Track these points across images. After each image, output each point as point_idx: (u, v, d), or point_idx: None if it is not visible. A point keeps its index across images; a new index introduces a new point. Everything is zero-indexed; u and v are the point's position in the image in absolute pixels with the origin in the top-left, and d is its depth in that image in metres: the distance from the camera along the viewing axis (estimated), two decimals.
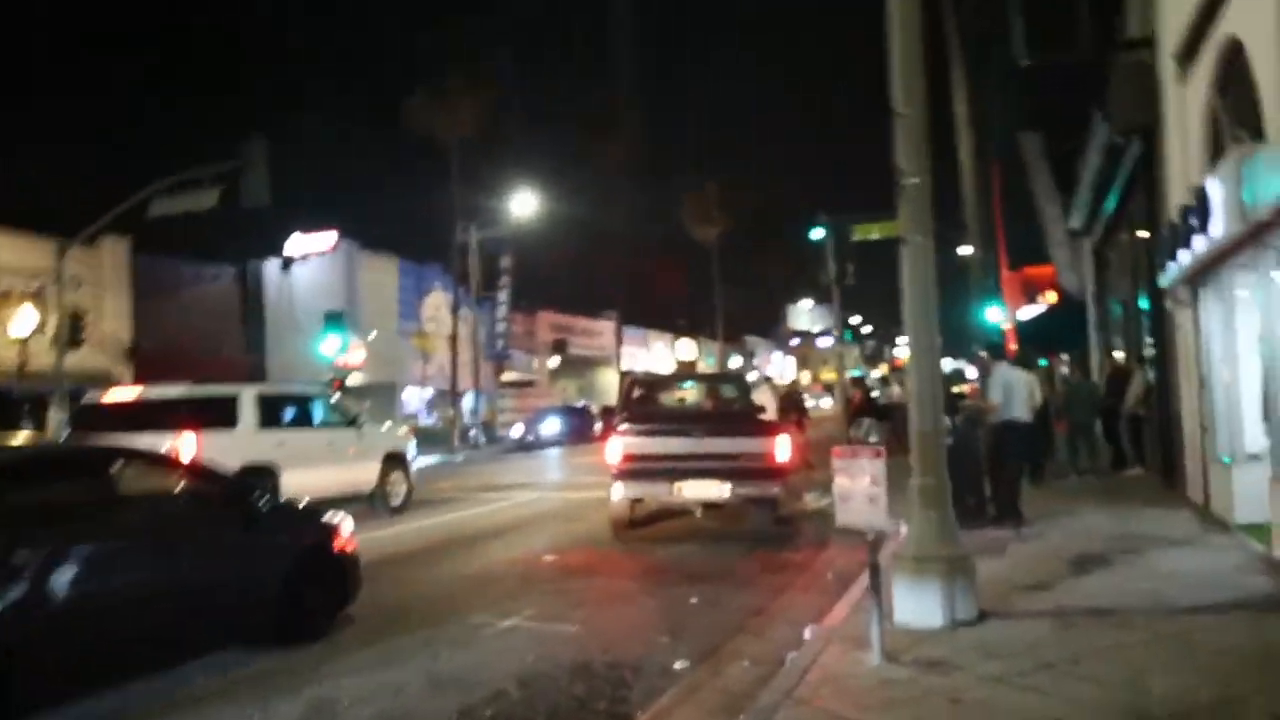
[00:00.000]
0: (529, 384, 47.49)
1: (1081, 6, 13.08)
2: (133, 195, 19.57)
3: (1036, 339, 24.02)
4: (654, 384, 14.89)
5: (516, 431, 37.47)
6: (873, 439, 17.55)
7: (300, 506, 7.69)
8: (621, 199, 49.84)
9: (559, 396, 48.33)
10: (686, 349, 65.87)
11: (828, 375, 72.70)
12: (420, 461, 30.89)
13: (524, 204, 40.04)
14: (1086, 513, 10.76)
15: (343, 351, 27.75)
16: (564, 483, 19.88)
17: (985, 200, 20.87)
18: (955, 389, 21.76)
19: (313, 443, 12.78)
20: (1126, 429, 14.39)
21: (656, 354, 61.11)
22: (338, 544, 7.17)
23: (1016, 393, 11.47)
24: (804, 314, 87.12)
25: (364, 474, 13.62)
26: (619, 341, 52.27)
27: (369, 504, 13.84)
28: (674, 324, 63.46)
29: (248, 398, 12.05)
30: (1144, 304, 14.40)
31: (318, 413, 13.40)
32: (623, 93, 47.36)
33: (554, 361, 50.49)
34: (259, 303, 31.76)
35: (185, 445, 10.94)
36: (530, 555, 10.52)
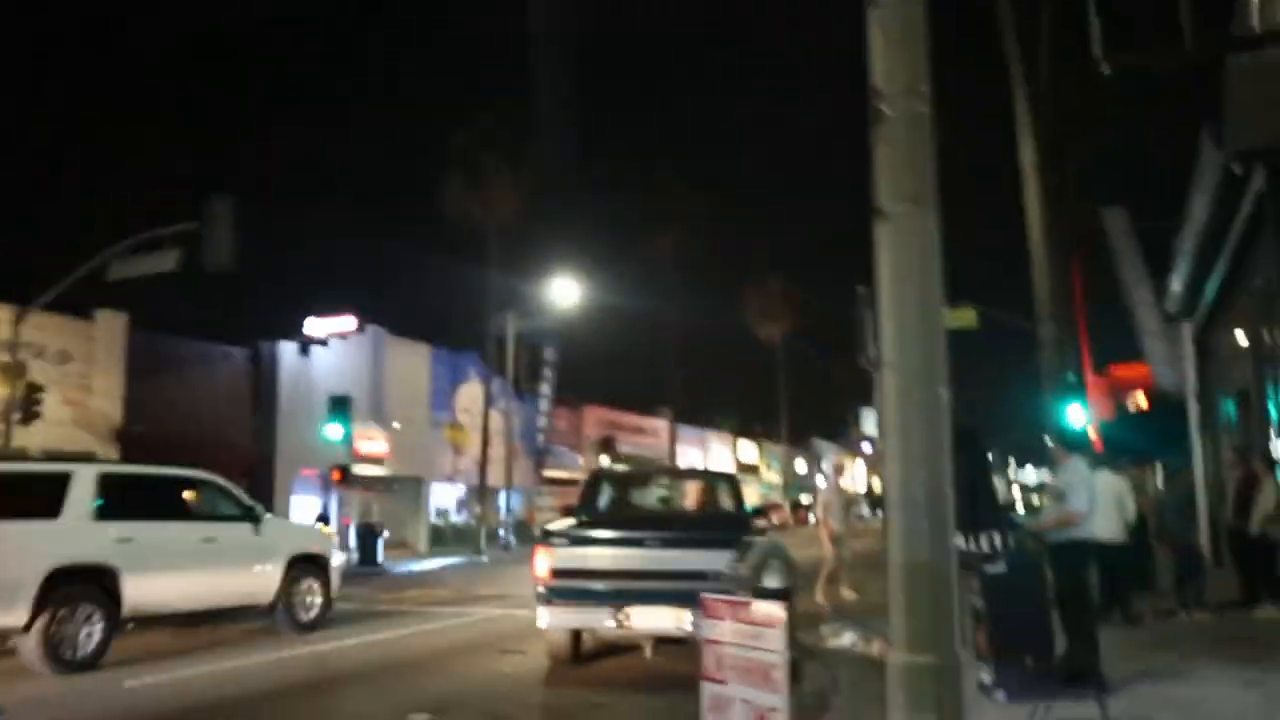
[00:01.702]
0: (574, 483, 44.66)
1: None
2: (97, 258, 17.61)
3: (1125, 447, 20.25)
4: (620, 481, 11.90)
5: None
6: (769, 581, 8.64)
7: None
8: (676, 291, 47.57)
9: None
10: (747, 451, 62.45)
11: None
12: (439, 563, 28.49)
13: (567, 292, 37.92)
14: (1209, 676, 7.39)
15: (346, 440, 25.31)
16: None
17: (1063, 283, 17.89)
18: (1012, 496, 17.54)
19: (177, 539, 10.05)
20: (1254, 553, 10.87)
21: (715, 455, 57.81)
22: None
23: (1102, 500, 8.32)
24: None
25: (257, 581, 10.82)
26: (672, 440, 49.18)
27: (271, 618, 11.10)
28: (734, 425, 60.25)
29: (81, 478, 9.40)
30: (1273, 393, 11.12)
31: (190, 502, 10.71)
32: (676, 181, 45.44)
33: (603, 460, 47.67)
34: (272, 388, 29.62)
35: None
36: (404, 710, 7.53)
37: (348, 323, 30.46)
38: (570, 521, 9.22)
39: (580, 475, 45.71)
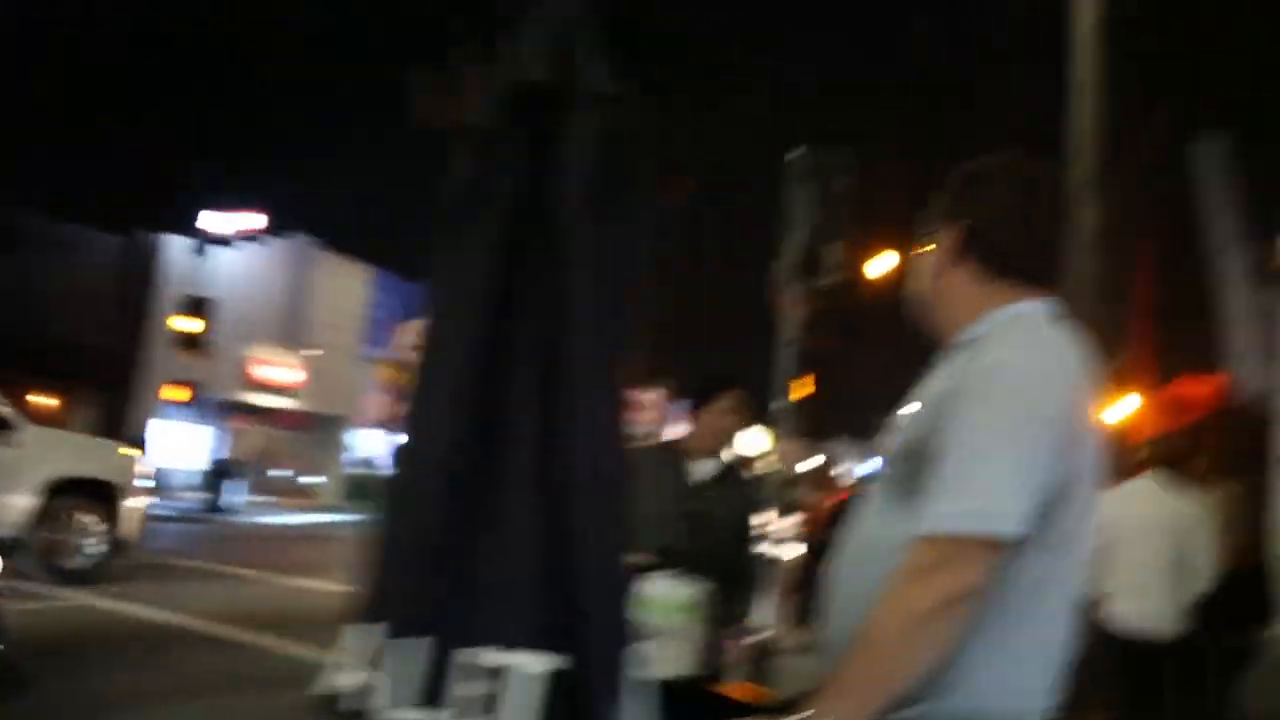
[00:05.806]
0: None
1: None
2: None
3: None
4: None
5: None
6: None
7: None
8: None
9: None
10: None
11: None
12: (322, 519, 23.21)
13: None
14: None
15: (189, 347, 20.25)
16: None
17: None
18: None
19: None
20: None
21: None
22: None
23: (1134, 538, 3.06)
24: None
25: None
26: None
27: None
28: None
29: None
30: None
31: None
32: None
33: None
34: (144, 289, 24.45)
35: None
36: None
37: (254, 220, 25.41)
38: None
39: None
